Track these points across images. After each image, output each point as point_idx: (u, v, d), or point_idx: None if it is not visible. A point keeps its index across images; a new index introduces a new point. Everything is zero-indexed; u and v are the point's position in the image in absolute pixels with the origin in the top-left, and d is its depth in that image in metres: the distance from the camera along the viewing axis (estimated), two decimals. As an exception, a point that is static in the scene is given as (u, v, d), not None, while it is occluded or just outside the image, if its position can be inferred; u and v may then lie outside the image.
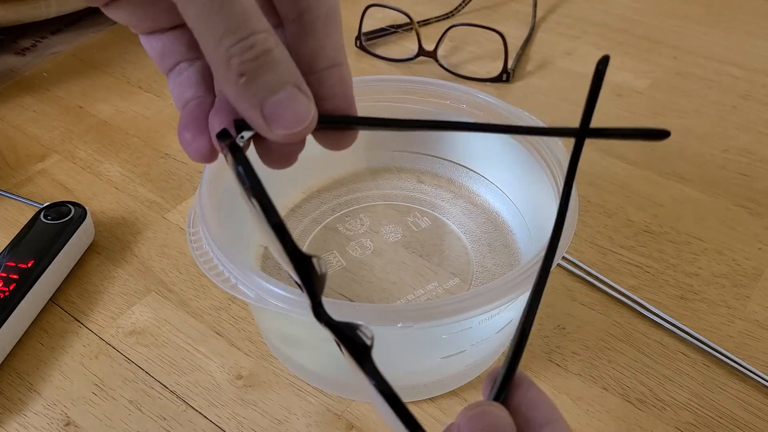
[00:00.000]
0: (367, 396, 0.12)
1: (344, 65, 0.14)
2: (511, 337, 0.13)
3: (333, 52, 0.13)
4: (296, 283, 0.14)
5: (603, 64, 0.13)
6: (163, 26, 0.14)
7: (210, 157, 0.13)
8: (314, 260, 0.12)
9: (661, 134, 0.14)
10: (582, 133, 0.14)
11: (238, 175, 0.12)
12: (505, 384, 0.12)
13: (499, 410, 0.12)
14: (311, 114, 0.12)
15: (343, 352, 0.12)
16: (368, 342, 0.11)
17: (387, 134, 0.28)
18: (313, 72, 0.13)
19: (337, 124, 0.14)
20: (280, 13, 0.13)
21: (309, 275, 0.12)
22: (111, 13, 0.13)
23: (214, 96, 0.14)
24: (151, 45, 0.14)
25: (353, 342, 0.11)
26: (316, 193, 0.28)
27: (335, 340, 0.12)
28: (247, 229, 0.25)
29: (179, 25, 0.14)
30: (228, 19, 0.11)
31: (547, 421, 0.12)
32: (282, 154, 0.14)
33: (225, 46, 0.11)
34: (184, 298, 0.25)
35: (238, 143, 0.12)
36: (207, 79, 0.14)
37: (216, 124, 0.13)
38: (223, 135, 0.13)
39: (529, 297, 0.13)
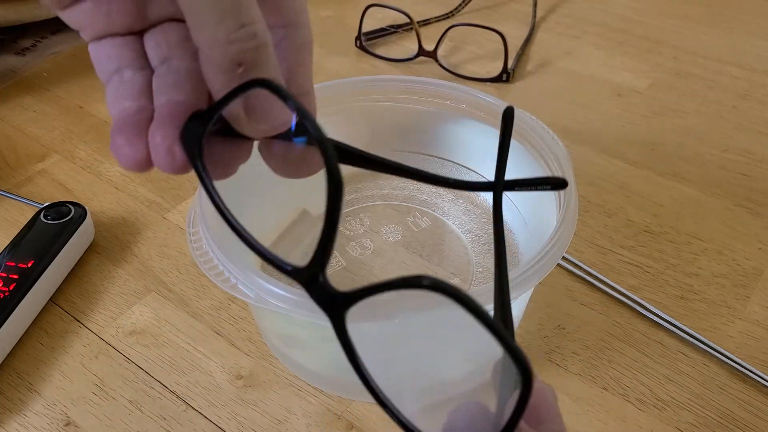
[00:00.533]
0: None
1: (312, 95, 0.14)
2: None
3: (303, 80, 0.13)
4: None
5: (509, 114, 0.14)
6: (117, 30, 0.13)
7: (144, 165, 0.12)
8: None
9: (561, 184, 0.14)
10: (498, 186, 0.14)
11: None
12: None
13: (553, 389, 0.12)
14: (290, 122, 0.12)
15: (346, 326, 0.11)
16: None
17: (387, 134, 0.28)
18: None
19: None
20: None
21: (338, 211, 0.11)
22: (69, 14, 0.13)
23: (151, 107, 0.13)
24: (98, 50, 0.13)
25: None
26: (316, 193, 0.28)
27: (335, 315, 0.11)
28: (247, 228, 0.25)
29: (133, 32, 0.13)
30: (234, 1, 0.11)
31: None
32: (223, 162, 0.13)
33: (227, 29, 0.11)
34: (184, 298, 0.25)
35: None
36: (149, 89, 0.13)
37: (158, 137, 0.12)
38: (194, 119, 0.12)
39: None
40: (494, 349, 0.12)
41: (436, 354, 0.19)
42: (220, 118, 0.12)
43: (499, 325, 0.10)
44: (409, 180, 0.29)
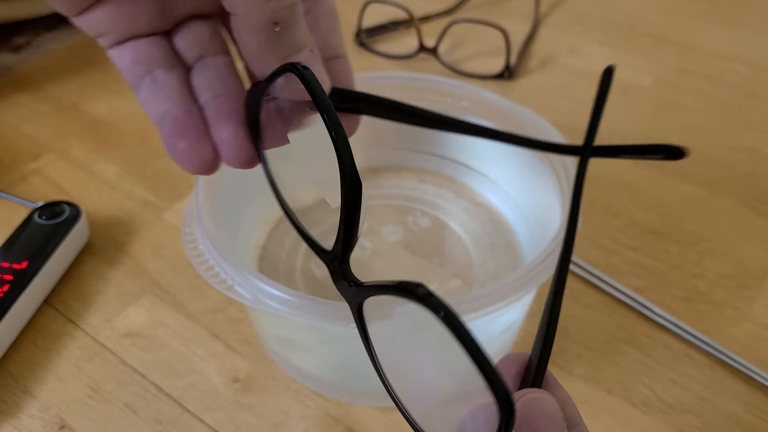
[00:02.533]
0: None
1: (346, 58, 0.14)
2: (538, 326, 0.13)
3: (337, 43, 0.14)
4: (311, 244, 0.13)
5: (609, 74, 0.13)
6: (142, 31, 0.13)
7: (214, 166, 0.13)
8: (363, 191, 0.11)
9: (677, 153, 0.14)
10: (586, 150, 0.14)
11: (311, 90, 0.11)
12: (540, 375, 0.12)
13: (553, 401, 0.11)
14: (327, 79, 0.12)
15: (365, 320, 0.11)
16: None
17: (388, 132, 0.28)
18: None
19: (350, 101, 0.13)
20: None
21: (356, 205, 0.11)
22: (86, 20, 0.12)
23: (198, 107, 0.13)
24: (122, 54, 0.13)
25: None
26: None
27: (356, 307, 0.11)
28: (244, 229, 0.25)
29: (157, 32, 0.13)
30: None
31: (572, 424, 0.12)
32: (278, 132, 0.13)
33: None
34: (180, 299, 0.25)
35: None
36: (189, 88, 0.13)
37: (225, 134, 0.12)
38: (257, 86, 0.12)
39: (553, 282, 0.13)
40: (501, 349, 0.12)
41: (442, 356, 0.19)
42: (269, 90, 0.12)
43: (483, 352, 0.09)
44: (409, 179, 0.29)
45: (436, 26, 0.40)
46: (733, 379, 0.22)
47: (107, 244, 0.27)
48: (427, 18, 0.43)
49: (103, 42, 0.13)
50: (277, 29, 0.11)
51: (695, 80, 0.37)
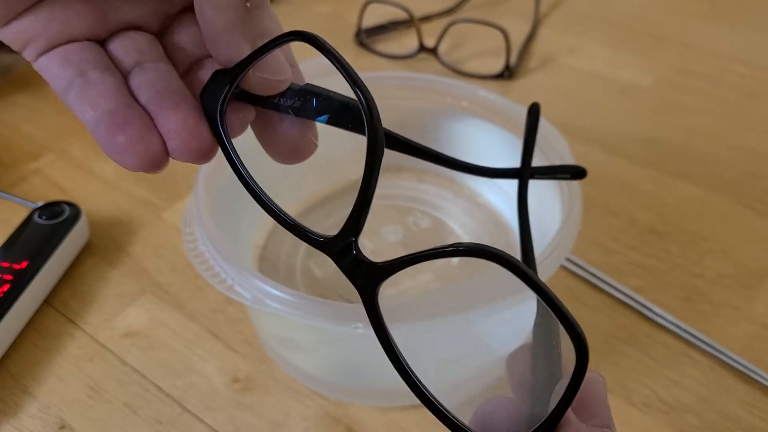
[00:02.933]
0: None
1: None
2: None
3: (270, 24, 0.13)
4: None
5: (534, 111, 0.14)
6: (73, 37, 0.12)
7: (160, 160, 0.11)
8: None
9: (579, 173, 0.14)
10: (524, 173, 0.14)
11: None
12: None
13: (603, 381, 0.11)
14: (288, 71, 0.12)
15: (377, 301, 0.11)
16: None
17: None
18: (196, 61, 0.13)
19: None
20: None
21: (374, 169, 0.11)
22: (14, 28, 0.11)
23: (137, 103, 0.12)
24: (50, 60, 0.12)
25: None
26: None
27: (365, 287, 0.11)
28: (244, 229, 0.25)
29: (90, 39, 0.12)
30: None
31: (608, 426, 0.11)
32: (290, 147, 0.13)
33: None
34: (180, 299, 0.25)
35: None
36: (126, 90, 0.12)
37: (173, 119, 0.11)
38: (217, 76, 0.11)
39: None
40: (510, 343, 0.12)
41: (460, 350, 0.19)
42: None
43: (550, 291, 0.09)
44: (409, 179, 0.29)
45: (436, 26, 0.40)
46: (733, 379, 0.22)
47: (107, 244, 0.27)
48: (427, 18, 0.43)
49: (29, 53, 0.12)
50: (249, 5, 0.11)
51: (695, 80, 0.37)
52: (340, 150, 0.27)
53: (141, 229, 0.28)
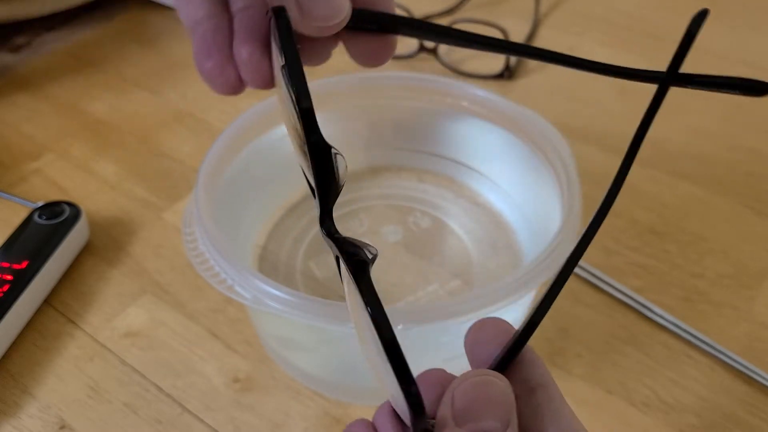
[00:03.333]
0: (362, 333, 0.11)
1: None
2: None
3: None
4: (309, 186, 0.13)
5: (700, 17, 0.12)
6: None
7: (238, 87, 0.13)
8: (333, 153, 0.11)
9: (761, 88, 0.12)
10: (669, 77, 0.13)
11: (281, 48, 0.11)
12: (511, 353, 0.11)
13: (504, 385, 0.11)
14: (346, 7, 0.12)
15: (341, 272, 0.11)
16: (368, 258, 0.10)
17: (387, 131, 0.28)
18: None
19: (375, 23, 0.13)
20: None
21: (326, 168, 0.11)
22: None
23: (229, 17, 0.13)
24: None
25: (352, 256, 0.10)
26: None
27: (335, 255, 0.11)
28: (244, 229, 0.25)
29: None
30: None
31: (541, 384, 0.11)
32: (315, 51, 0.13)
33: None
34: (180, 299, 0.25)
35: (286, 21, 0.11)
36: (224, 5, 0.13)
37: (245, 53, 0.12)
38: (277, 13, 0.12)
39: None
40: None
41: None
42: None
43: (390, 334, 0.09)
44: (409, 179, 0.29)
45: (436, 26, 0.39)
46: (733, 379, 0.22)
47: (107, 244, 0.27)
48: (427, 18, 0.43)
49: None
50: None
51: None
52: (338, 143, 0.27)
53: (141, 229, 0.28)
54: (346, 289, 0.11)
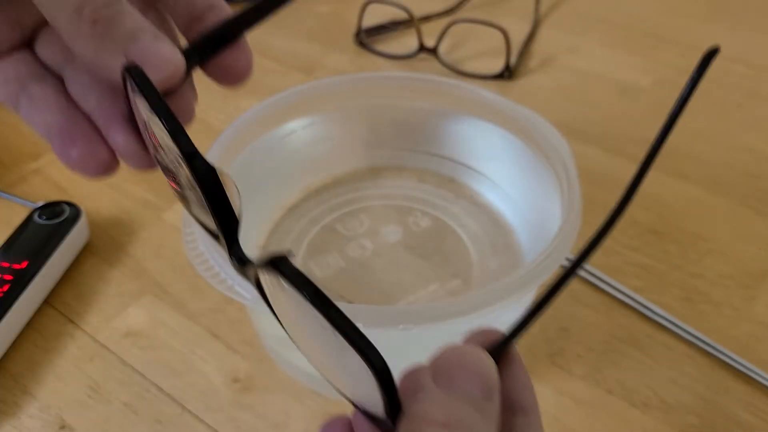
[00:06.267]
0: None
1: (220, 4, 0.13)
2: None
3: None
4: (209, 231, 0.13)
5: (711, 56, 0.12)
6: (2, 49, 0.13)
7: (112, 167, 0.13)
8: (219, 173, 0.11)
9: None
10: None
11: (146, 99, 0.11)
12: (503, 345, 0.11)
13: (484, 358, 0.10)
14: (177, 54, 0.12)
15: (265, 291, 0.11)
16: (285, 252, 0.10)
17: (387, 131, 0.28)
18: (195, 17, 0.13)
19: (216, 39, 0.13)
20: None
21: (215, 192, 0.11)
22: None
23: (81, 113, 0.13)
24: None
25: (272, 259, 0.09)
26: (314, 192, 0.28)
27: (254, 276, 0.11)
28: (244, 229, 0.25)
29: (16, 46, 0.13)
30: None
31: (519, 408, 0.11)
32: (179, 108, 0.13)
33: None
34: (180, 299, 0.25)
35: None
36: (66, 97, 0.13)
37: (120, 140, 0.12)
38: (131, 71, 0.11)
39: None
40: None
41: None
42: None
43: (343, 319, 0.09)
44: (409, 179, 0.29)
45: (436, 26, 0.40)
46: (733, 379, 0.22)
47: (107, 244, 0.27)
48: (427, 18, 0.43)
49: None
50: (98, 29, 0.11)
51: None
52: (329, 150, 0.27)
53: (141, 230, 0.28)
54: (281, 301, 0.11)
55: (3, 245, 0.25)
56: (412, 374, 0.11)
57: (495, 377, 0.10)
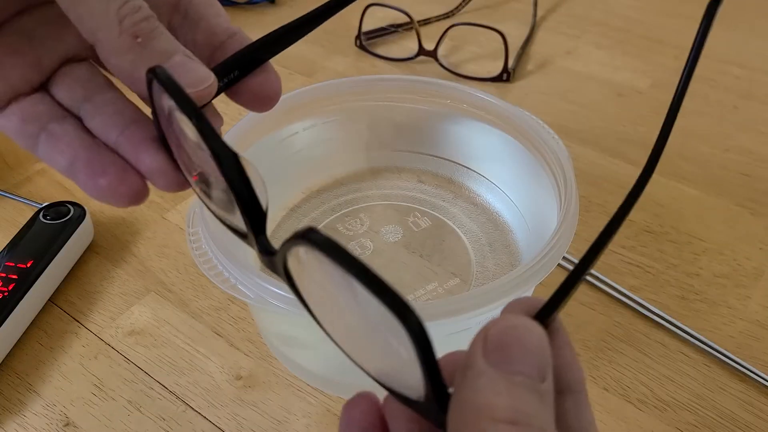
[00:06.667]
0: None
1: (240, 32, 0.14)
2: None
3: (227, 25, 0.14)
4: (230, 228, 0.13)
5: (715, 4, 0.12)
6: (19, 90, 0.13)
7: (143, 195, 0.12)
8: (245, 163, 0.11)
9: None
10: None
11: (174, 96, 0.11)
12: (547, 316, 0.10)
13: (540, 333, 0.09)
14: (211, 75, 0.12)
15: (292, 274, 0.10)
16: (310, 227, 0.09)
17: (387, 133, 0.28)
18: (216, 46, 0.13)
19: (245, 63, 0.13)
20: (165, 18, 0.13)
21: (240, 176, 0.10)
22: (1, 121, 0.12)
23: (105, 146, 0.12)
24: (8, 120, 0.13)
25: (301, 234, 0.09)
26: (316, 193, 0.28)
27: (283, 274, 0.11)
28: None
29: (35, 88, 0.13)
30: None
31: (568, 389, 0.10)
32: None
33: (115, 8, 0.11)
34: (184, 298, 0.25)
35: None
36: (87, 133, 0.13)
37: (150, 160, 0.12)
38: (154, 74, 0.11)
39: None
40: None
41: None
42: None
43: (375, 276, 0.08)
44: (409, 180, 0.29)
45: (436, 29, 0.40)
46: (728, 376, 0.22)
47: (111, 243, 0.28)
48: (426, 21, 0.43)
49: None
50: (138, 41, 0.11)
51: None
52: (330, 152, 0.27)
53: (145, 229, 0.28)
54: (312, 278, 0.10)
55: (8, 245, 0.25)
56: (456, 352, 0.10)
57: (550, 355, 0.09)
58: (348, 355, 0.11)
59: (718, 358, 0.23)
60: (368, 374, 0.11)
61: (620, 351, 0.23)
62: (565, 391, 0.10)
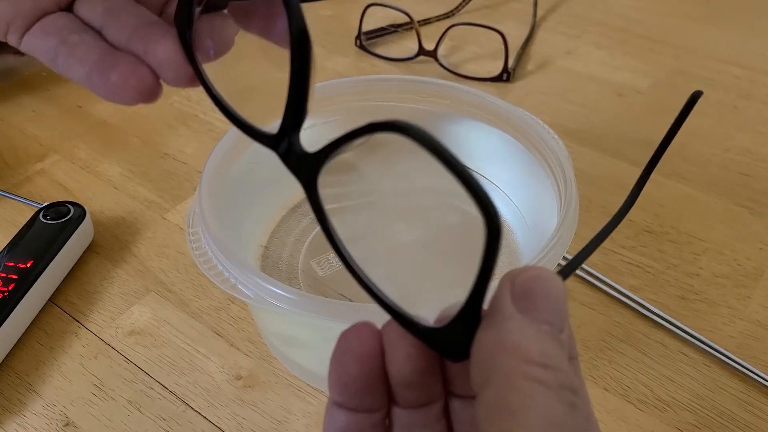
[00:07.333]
0: None
1: None
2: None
3: None
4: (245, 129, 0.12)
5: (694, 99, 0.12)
6: (47, 8, 0.13)
7: (154, 91, 0.12)
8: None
9: None
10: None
11: None
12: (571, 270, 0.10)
13: (563, 288, 0.09)
14: None
15: (319, 195, 0.10)
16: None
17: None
18: None
19: None
20: None
21: (306, 55, 0.10)
22: (27, 39, 0.12)
23: (119, 51, 0.12)
24: (33, 36, 0.13)
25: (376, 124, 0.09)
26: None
27: (306, 181, 0.10)
28: (247, 229, 0.25)
29: (62, 7, 0.13)
30: None
31: (571, 353, 0.10)
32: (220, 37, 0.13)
33: None
34: (184, 298, 0.25)
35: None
36: (105, 42, 0.13)
37: (161, 50, 0.12)
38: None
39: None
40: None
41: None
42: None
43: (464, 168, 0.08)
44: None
45: (436, 29, 0.40)
46: (728, 376, 0.22)
47: (111, 243, 0.28)
48: (426, 21, 0.43)
49: (13, 37, 0.13)
50: None
51: (691, 82, 0.38)
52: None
53: (145, 229, 0.28)
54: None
55: (8, 245, 0.25)
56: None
57: (567, 310, 0.09)
58: (364, 279, 0.11)
59: (718, 358, 0.23)
60: (380, 300, 0.10)
61: (620, 351, 0.23)
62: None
